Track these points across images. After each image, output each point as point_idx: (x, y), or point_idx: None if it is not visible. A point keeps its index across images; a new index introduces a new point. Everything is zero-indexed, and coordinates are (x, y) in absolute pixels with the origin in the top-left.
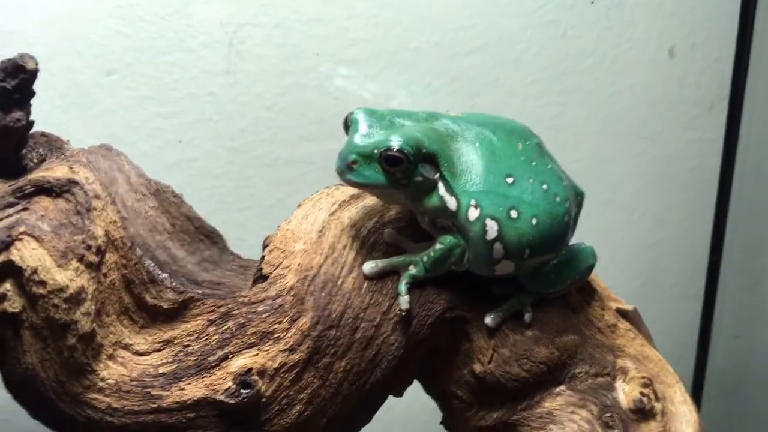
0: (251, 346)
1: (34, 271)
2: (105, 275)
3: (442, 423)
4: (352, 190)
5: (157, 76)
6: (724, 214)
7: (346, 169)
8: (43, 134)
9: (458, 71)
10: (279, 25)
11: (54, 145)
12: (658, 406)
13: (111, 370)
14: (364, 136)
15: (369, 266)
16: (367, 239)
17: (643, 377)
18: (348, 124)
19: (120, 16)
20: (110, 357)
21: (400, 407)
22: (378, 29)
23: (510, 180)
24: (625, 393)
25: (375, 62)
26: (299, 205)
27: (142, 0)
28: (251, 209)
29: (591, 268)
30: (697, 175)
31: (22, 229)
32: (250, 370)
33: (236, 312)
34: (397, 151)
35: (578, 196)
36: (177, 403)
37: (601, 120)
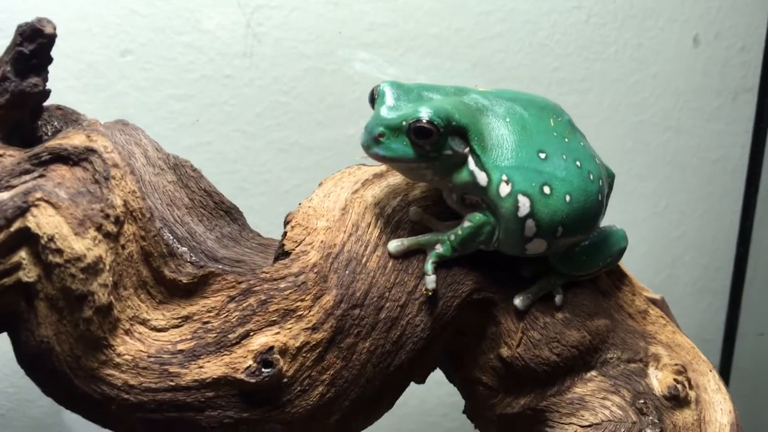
0: (273, 323)
1: (51, 239)
2: (123, 246)
3: (464, 412)
4: (374, 169)
5: (172, 57)
6: (752, 207)
7: (373, 143)
8: (58, 107)
9: (480, 57)
10: (297, 7)
11: (69, 118)
12: (692, 394)
13: (128, 346)
14: (392, 108)
15: (394, 244)
16: (392, 217)
17: (677, 364)
18: (374, 97)
19: None
20: (127, 332)
21: (414, 401)
22: (398, 13)
23: (543, 155)
24: (659, 380)
25: (395, 47)
26: (320, 184)
27: None
28: (266, 195)
29: (622, 251)
30: (722, 167)
31: (38, 195)
32: (271, 348)
33: (258, 288)
34: (427, 122)
35: (609, 177)
36: (195, 381)
37: (624, 109)
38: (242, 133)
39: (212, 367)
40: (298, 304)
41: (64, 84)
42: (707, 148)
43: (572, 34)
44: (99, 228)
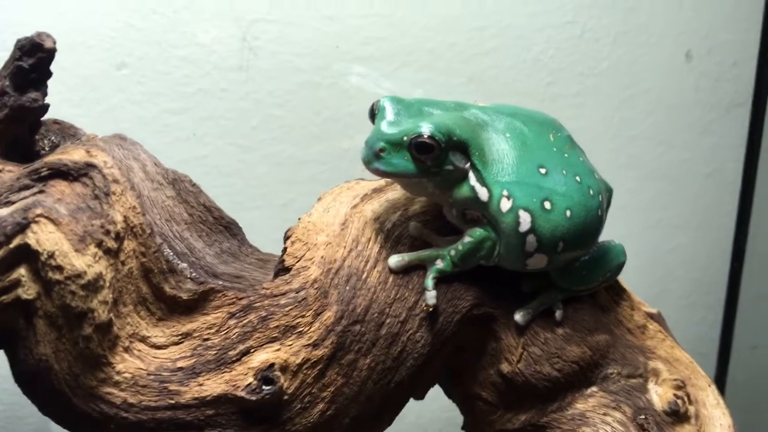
0: (273, 340)
1: (51, 256)
2: (123, 263)
3: (463, 428)
4: (373, 184)
5: (168, 71)
6: (746, 220)
7: (374, 158)
8: (55, 122)
9: (475, 71)
10: (293, 22)
11: (67, 132)
12: (692, 409)
13: (127, 363)
14: (392, 123)
15: (395, 260)
16: (392, 232)
17: (676, 379)
18: (374, 112)
19: (132, 9)
20: (126, 349)
21: (411, 417)
22: (393, 28)
23: (543, 171)
24: (659, 395)
25: (390, 61)
26: (319, 199)
27: None
28: (261, 209)
29: (621, 265)
30: (715, 181)
31: (38, 211)
32: (272, 365)
33: (258, 304)
34: (428, 137)
35: (608, 192)
36: (195, 399)
37: (618, 123)
38: (238, 147)
39: (212, 385)
40: (299, 320)
41: (60, 97)
42: (700, 162)
43: (566, 50)
44: (99, 244)
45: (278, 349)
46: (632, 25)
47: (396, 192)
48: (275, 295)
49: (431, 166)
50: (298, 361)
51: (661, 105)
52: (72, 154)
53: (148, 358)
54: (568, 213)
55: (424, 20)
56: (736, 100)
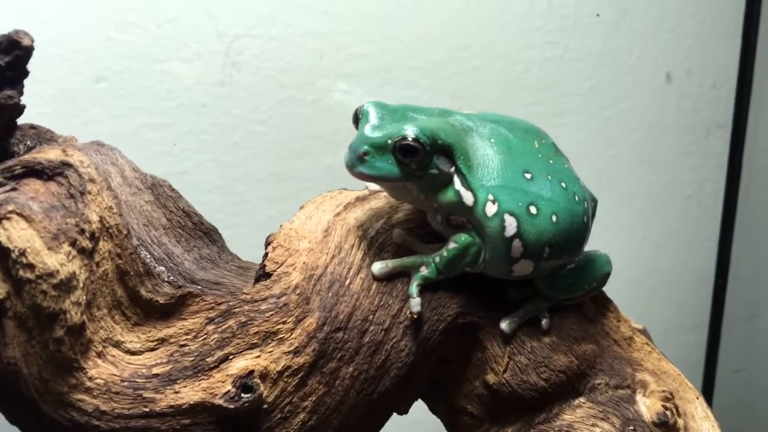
0: (253, 346)
1: (22, 253)
2: (98, 264)
3: None
4: (357, 193)
5: (148, 85)
6: (729, 241)
7: (357, 161)
8: (32, 126)
9: (457, 90)
10: (276, 37)
11: (43, 137)
12: (680, 421)
13: (100, 369)
14: (376, 127)
15: (378, 266)
16: (375, 240)
17: (664, 391)
18: (358, 117)
19: (113, 22)
20: (100, 354)
21: None
22: (377, 45)
23: (528, 176)
24: (647, 406)
25: (373, 78)
26: (301, 207)
27: (138, 6)
28: (242, 226)
29: (607, 276)
30: (696, 202)
31: (10, 207)
32: (251, 372)
33: (238, 310)
34: (413, 140)
35: (593, 201)
36: (171, 407)
37: (600, 143)
38: (218, 163)
39: (189, 392)
40: (280, 326)
41: (36, 110)
42: (681, 183)
43: (548, 69)
44: (73, 243)
45: (258, 356)
46: (613, 45)
47: (380, 200)
48: (255, 301)
49: (416, 170)
50: (279, 368)
51: (643, 125)
52: (47, 153)
53: (122, 363)
54: (554, 218)
55: (407, 38)
56: (716, 121)
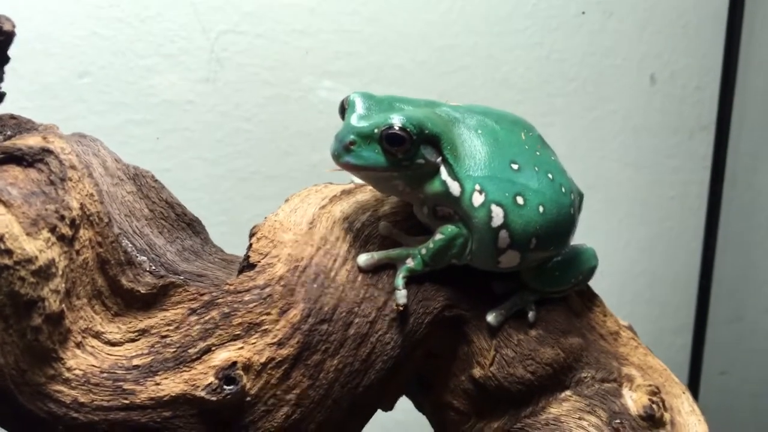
0: (236, 338)
1: (0, 239)
2: (78, 252)
3: None
4: (342, 186)
5: (132, 80)
6: (713, 243)
7: (343, 151)
8: (12, 116)
9: (444, 89)
10: (262, 34)
11: (24, 128)
12: (667, 415)
13: (79, 360)
14: (363, 117)
15: (364, 258)
16: (361, 232)
17: (650, 385)
18: (345, 108)
19: (97, 17)
20: (78, 345)
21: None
22: (363, 44)
23: (515, 167)
24: (633, 400)
25: (360, 77)
26: (286, 200)
27: (121, 1)
28: (226, 224)
29: (593, 269)
30: (680, 203)
31: None
32: (234, 364)
33: (221, 300)
34: (400, 129)
35: (579, 195)
36: (151, 399)
37: (585, 145)
38: (203, 160)
39: (170, 384)
40: (264, 317)
41: (17, 105)
42: (665, 184)
43: (533, 70)
44: (53, 230)
45: (241, 348)
46: (598, 46)
47: (365, 194)
48: (239, 291)
49: (402, 159)
50: (262, 360)
51: (627, 127)
52: (27, 140)
53: (101, 354)
54: (540, 209)
55: (393, 37)
56: (700, 123)
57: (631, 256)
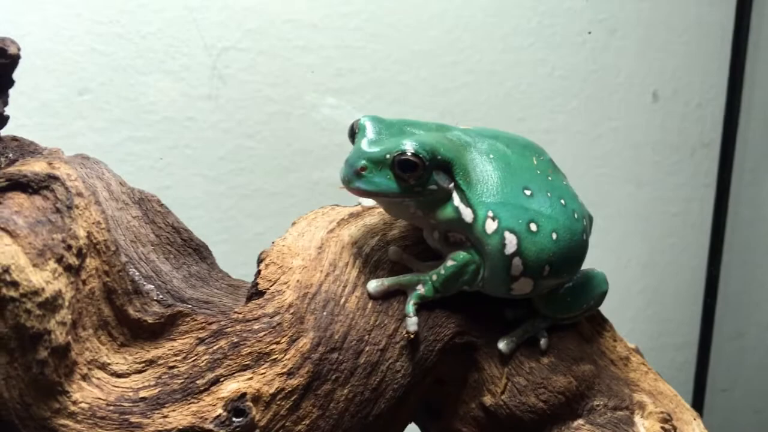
0: (245, 368)
1: (6, 270)
2: (84, 282)
3: None
4: (350, 209)
5: (133, 97)
6: (718, 260)
7: (354, 177)
8: (14, 138)
9: (446, 106)
10: (265, 51)
11: (26, 150)
12: None
13: (85, 393)
14: (374, 142)
15: (374, 285)
16: (371, 257)
17: (662, 412)
18: (354, 132)
19: (97, 33)
20: (84, 377)
21: None
22: (366, 60)
23: (528, 192)
24: (646, 428)
25: (363, 93)
26: (293, 223)
27: (122, 17)
28: (227, 243)
29: (604, 294)
30: (683, 220)
31: None
32: (243, 395)
33: (229, 330)
34: (412, 155)
35: (589, 219)
36: None
37: (587, 162)
38: (204, 178)
39: (178, 417)
40: (273, 347)
41: (15, 123)
42: (668, 201)
43: (536, 87)
44: (60, 260)
45: (250, 378)
46: (601, 64)
47: (374, 217)
48: (248, 320)
49: (414, 185)
50: (272, 390)
51: (630, 143)
52: (33, 166)
53: (107, 387)
54: (554, 235)
55: (396, 53)
56: (701, 140)
57: (633, 273)
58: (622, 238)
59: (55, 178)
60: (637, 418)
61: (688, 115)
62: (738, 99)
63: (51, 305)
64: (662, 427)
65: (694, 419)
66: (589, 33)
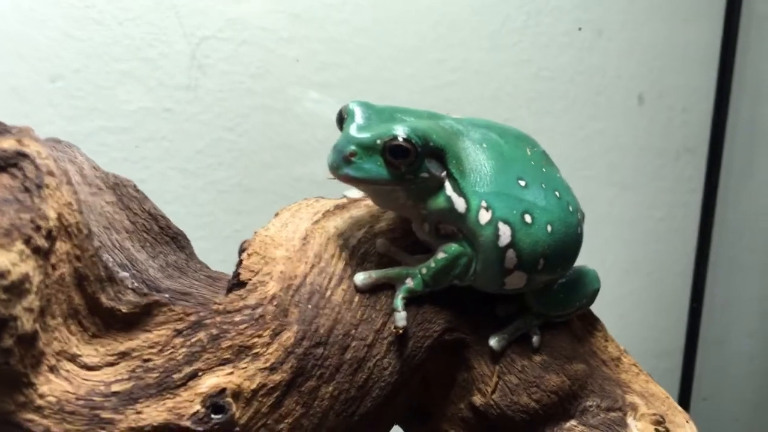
0: (225, 362)
1: None
2: (54, 267)
3: None
4: (335, 201)
5: (108, 86)
6: (704, 265)
7: (343, 163)
8: None
9: (431, 104)
10: (247, 41)
11: None
12: None
13: (53, 385)
14: (363, 127)
15: (361, 277)
16: (357, 249)
17: (655, 414)
18: (343, 117)
19: (72, 18)
20: (52, 369)
21: None
22: (351, 55)
23: (522, 183)
24: (639, 430)
25: (347, 88)
26: (276, 214)
27: (99, 2)
28: (205, 240)
29: (596, 292)
30: (667, 225)
31: None
32: (223, 390)
33: (209, 321)
34: (404, 140)
35: (582, 215)
36: (132, 429)
37: (572, 164)
38: (181, 171)
39: (152, 413)
40: (255, 340)
41: None
42: (652, 205)
43: (522, 87)
44: (27, 241)
45: (230, 373)
46: (587, 65)
47: (360, 209)
48: (229, 312)
49: (406, 173)
50: (253, 386)
51: (615, 146)
52: (1, 143)
53: (77, 380)
54: (549, 228)
55: (381, 49)
56: (686, 145)
57: (616, 278)
58: (605, 242)
59: (25, 156)
60: (629, 420)
61: (672, 119)
62: (725, 104)
63: (17, 289)
64: (656, 429)
65: (687, 422)
66: (580, 29)
